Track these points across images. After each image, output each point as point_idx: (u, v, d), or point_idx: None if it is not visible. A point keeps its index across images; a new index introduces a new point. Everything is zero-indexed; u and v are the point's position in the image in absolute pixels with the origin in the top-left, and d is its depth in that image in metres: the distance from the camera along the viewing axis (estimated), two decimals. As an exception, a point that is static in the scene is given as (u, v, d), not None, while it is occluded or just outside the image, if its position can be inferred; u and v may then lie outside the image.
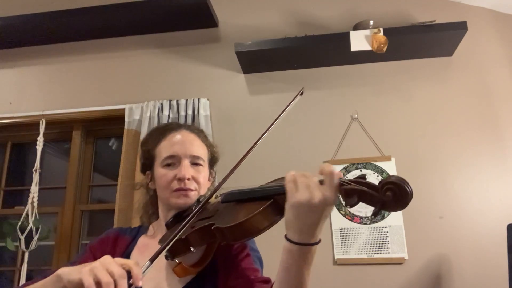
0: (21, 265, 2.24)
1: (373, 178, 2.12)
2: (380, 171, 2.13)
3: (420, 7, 2.36)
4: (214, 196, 0.89)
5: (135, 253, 1.02)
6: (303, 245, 0.69)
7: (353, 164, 2.16)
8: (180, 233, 0.76)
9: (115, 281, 0.62)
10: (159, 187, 1.04)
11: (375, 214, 0.64)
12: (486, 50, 2.29)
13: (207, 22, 2.49)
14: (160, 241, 0.94)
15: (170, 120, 2.26)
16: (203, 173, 1.06)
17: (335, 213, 2.10)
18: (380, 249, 2.01)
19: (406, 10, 2.38)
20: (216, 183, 1.01)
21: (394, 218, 2.04)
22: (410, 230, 2.02)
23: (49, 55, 2.67)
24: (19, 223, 2.22)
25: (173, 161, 1.02)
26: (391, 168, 2.12)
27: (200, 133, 1.12)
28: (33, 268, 2.32)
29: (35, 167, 2.36)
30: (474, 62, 2.27)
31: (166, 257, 0.86)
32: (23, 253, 2.24)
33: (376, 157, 2.15)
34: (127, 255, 1.00)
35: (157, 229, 1.09)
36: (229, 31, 2.52)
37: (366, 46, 2.11)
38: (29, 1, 2.74)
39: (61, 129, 2.55)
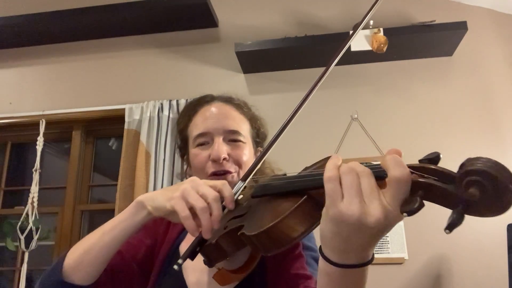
0: (21, 265, 2.24)
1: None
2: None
3: (420, 7, 2.36)
4: (248, 185, 0.71)
5: (183, 247, 0.87)
6: (347, 268, 0.48)
7: (353, 164, 2.16)
8: (261, 161, 0.65)
9: (209, 204, 0.57)
10: (194, 171, 0.89)
11: (450, 226, 0.39)
12: (486, 50, 2.29)
13: (207, 22, 2.48)
14: None
15: (170, 121, 2.26)
16: (244, 150, 0.87)
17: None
18: (380, 249, 2.01)
19: (406, 10, 2.38)
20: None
21: (394, 218, 2.04)
22: (410, 230, 2.02)
23: (49, 55, 2.67)
24: (19, 223, 2.22)
25: (205, 139, 0.86)
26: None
27: (239, 103, 0.95)
28: (33, 268, 2.32)
29: (35, 167, 2.36)
30: (474, 62, 2.27)
31: (205, 262, 0.69)
32: (23, 253, 2.24)
33: (376, 157, 2.15)
34: (175, 247, 0.88)
35: None
36: (229, 31, 2.52)
37: (366, 46, 2.11)
38: (29, 1, 2.74)
39: (61, 129, 2.55)
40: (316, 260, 0.81)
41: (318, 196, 0.53)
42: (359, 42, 2.12)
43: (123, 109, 2.34)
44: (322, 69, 0.73)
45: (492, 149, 2.10)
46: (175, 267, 0.58)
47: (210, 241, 0.63)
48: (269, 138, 0.85)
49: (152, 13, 2.40)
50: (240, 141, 0.87)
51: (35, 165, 2.36)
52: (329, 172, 0.46)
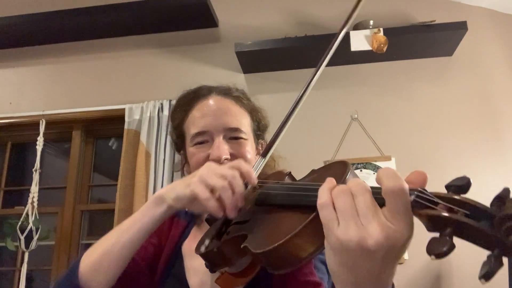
0: (21, 265, 2.24)
1: (373, 178, 2.12)
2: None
3: (420, 7, 2.36)
4: (251, 188, 0.66)
5: (185, 247, 0.84)
6: None
7: (353, 164, 2.16)
8: (280, 135, 0.63)
9: (230, 183, 0.56)
10: (193, 170, 0.82)
11: (487, 275, 0.35)
12: (486, 50, 2.29)
13: (207, 22, 2.48)
14: (196, 249, 0.70)
15: (170, 121, 2.25)
16: (247, 147, 0.83)
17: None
18: (380, 249, 2.01)
19: (406, 10, 2.38)
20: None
21: (394, 218, 2.04)
22: (410, 230, 2.02)
23: (49, 55, 2.67)
24: (19, 223, 2.22)
25: (204, 138, 0.81)
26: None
27: (239, 96, 0.90)
28: (33, 268, 2.32)
29: (35, 167, 2.36)
30: (474, 62, 2.27)
31: (206, 266, 0.66)
32: (23, 253, 2.24)
33: (376, 157, 2.15)
34: (178, 247, 0.84)
35: (203, 222, 0.87)
36: (229, 31, 2.52)
37: (366, 46, 2.11)
38: (29, 1, 2.74)
39: (61, 129, 2.55)
40: (325, 263, 0.75)
41: None
42: (359, 42, 2.12)
43: (123, 109, 2.34)
44: (322, 68, 0.72)
45: (492, 149, 2.10)
46: (202, 249, 0.58)
47: (212, 248, 0.60)
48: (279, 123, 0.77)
49: (152, 13, 2.40)
50: (241, 138, 0.82)
51: (35, 165, 2.36)
52: (321, 198, 0.42)
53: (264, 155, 0.62)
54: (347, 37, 2.14)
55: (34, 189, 2.32)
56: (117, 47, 2.61)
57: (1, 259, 2.57)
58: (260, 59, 2.28)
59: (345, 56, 2.23)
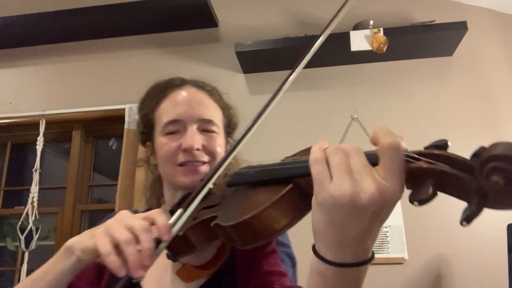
0: (21, 265, 2.24)
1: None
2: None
3: (420, 7, 2.36)
4: (222, 175, 0.64)
5: None
6: (345, 267, 0.42)
7: (353, 164, 2.16)
8: (207, 186, 0.56)
9: (136, 237, 0.49)
10: (161, 161, 0.81)
11: (468, 218, 0.37)
12: (486, 50, 2.28)
13: (207, 22, 2.48)
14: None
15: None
16: (218, 140, 0.82)
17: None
18: (380, 249, 2.01)
19: (406, 10, 2.38)
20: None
21: (394, 218, 2.04)
22: (410, 230, 2.02)
23: (49, 55, 2.67)
24: (19, 223, 2.22)
25: (176, 128, 0.80)
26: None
27: (212, 90, 0.90)
28: (33, 268, 2.32)
29: (35, 167, 2.36)
30: (474, 62, 2.27)
31: (168, 256, 0.64)
32: (23, 253, 2.24)
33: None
34: None
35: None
36: (229, 31, 2.52)
37: (366, 46, 2.11)
38: (29, 1, 2.74)
39: (61, 129, 2.55)
40: (290, 257, 0.77)
41: (306, 185, 0.48)
42: (359, 42, 2.12)
43: (123, 109, 2.34)
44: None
45: (492, 149, 2.10)
46: None
47: (177, 233, 0.56)
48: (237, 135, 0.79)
49: (152, 13, 2.40)
50: (214, 131, 0.82)
51: (35, 165, 2.36)
52: (315, 154, 0.42)
53: (185, 207, 0.53)
54: (347, 37, 2.14)
55: (34, 189, 2.32)
56: (117, 47, 2.61)
57: (1, 259, 2.57)
58: (260, 59, 2.28)
59: (345, 56, 2.23)
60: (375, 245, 2.01)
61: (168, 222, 0.52)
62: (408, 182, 0.41)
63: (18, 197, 2.65)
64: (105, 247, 0.49)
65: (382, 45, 2.07)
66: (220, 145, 0.82)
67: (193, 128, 0.79)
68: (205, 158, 0.79)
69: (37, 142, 2.39)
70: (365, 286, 0.50)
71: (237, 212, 0.51)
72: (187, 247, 0.62)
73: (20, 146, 2.74)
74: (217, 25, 2.53)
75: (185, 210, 0.53)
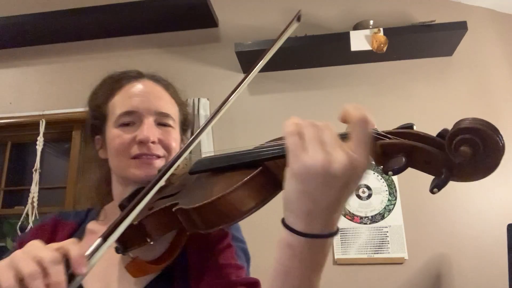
0: (21, 265, 2.24)
1: (373, 178, 2.13)
2: (381, 171, 2.13)
3: (420, 7, 2.36)
4: (182, 166, 0.65)
5: (82, 245, 0.79)
6: (313, 237, 0.44)
7: (353, 164, 2.16)
8: (132, 214, 0.51)
9: (45, 270, 0.43)
10: (112, 154, 0.77)
11: (438, 186, 0.40)
12: (486, 50, 2.29)
13: (207, 22, 2.48)
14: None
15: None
16: (173, 135, 0.80)
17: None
18: (380, 249, 2.01)
19: (406, 10, 2.38)
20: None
21: (394, 218, 2.04)
22: (410, 230, 2.02)
23: (49, 55, 2.67)
24: (19, 223, 2.22)
25: (132, 119, 0.77)
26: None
27: (169, 86, 0.86)
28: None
29: (35, 167, 2.36)
30: (474, 62, 2.27)
31: (117, 250, 0.61)
32: (23, 253, 2.24)
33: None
34: None
35: (111, 213, 0.82)
36: (229, 31, 2.52)
37: (366, 46, 2.11)
38: (29, 1, 2.74)
39: (61, 129, 2.55)
40: (245, 252, 0.77)
41: (274, 168, 0.50)
42: (359, 42, 2.12)
43: (123, 109, 2.34)
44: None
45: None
46: None
47: (132, 222, 0.54)
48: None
49: (152, 13, 2.40)
50: (170, 125, 0.80)
51: (35, 165, 2.36)
52: (290, 127, 0.45)
53: (104, 238, 0.48)
54: (347, 37, 2.14)
55: (34, 189, 2.32)
56: (117, 47, 2.62)
57: (1, 259, 2.56)
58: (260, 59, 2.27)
59: (345, 56, 2.23)
60: (375, 245, 2.02)
61: (83, 254, 0.46)
62: (382, 157, 0.43)
63: (18, 197, 2.64)
64: (7, 282, 0.43)
65: (382, 45, 2.07)
66: (175, 140, 0.80)
67: (149, 121, 0.76)
68: (160, 152, 0.76)
69: (37, 142, 2.39)
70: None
71: (202, 195, 0.51)
72: (140, 238, 0.60)
73: (20, 146, 2.74)
74: (217, 25, 2.53)
75: (105, 241, 0.48)
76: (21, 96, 2.62)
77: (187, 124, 0.89)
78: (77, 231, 0.80)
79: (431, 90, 2.25)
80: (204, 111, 2.26)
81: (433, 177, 0.42)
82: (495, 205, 2.02)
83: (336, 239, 2.05)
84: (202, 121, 2.22)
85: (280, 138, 0.51)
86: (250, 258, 0.78)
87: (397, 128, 0.46)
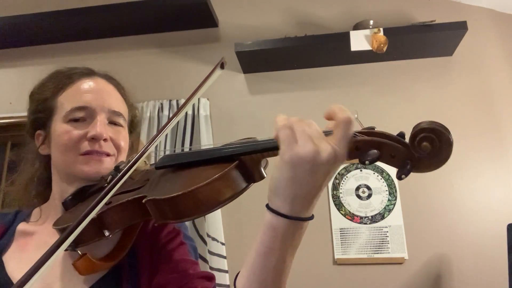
0: (21, 265, 2.23)
1: (373, 178, 2.13)
2: (380, 171, 2.13)
3: (420, 7, 2.36)
4: (142, 163, 0.65)
5: (13, 247, 0.74)
6: (296, 220, 0.50)
7: (353, 164, 2.16)
8: (93, 211, 0.52)
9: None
10: (59, 150, 0.75)
11: (405, 173, 0.50)
12: (486, 50, 2.29)
13: (207, 22, 2.48)
14: (56, 224, 0.67)
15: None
16: (124, 135, 0.80)
17: (334, 213, 2.10)
18: (380, 249, 2.01)
19: (406, 10, 2.38)
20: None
21: (394, 218, 2.04)
22: (410, 230, 2.02)
23: (49, 55, 2.67)
24: (19, 223, 2.22)
25: (83, 115, 0.75)
26: (391, 167, 2.12)
27: (119, 86, 0.86)
28: (33, 268, 2.32)
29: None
30: (474, 62, 2.27)
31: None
32: (23, 253, 2.24)
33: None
34: None
35: (48, 213, 0.79)
36: (229, 31, 2.52)
37: (366, 46, 2.11)
38: (29, 1, 2.74)
39: (61, 129, 2.55)
40: (195, 251, 0.79)
41: (250, 162, 0.56)
42: (359, 42, 2.12)
43: (123, 109, 2.34)
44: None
45: (492, 149, 2.10)
46: None
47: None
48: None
49: (152, 13, 2.40)
50: (121, 125, 0.80)
51: (35, 165, 2.36)
52: (282, 122, 0.52)
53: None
54: (347, 37, 2.14)
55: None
56: (117, 47, 2.62)
57: None
58: (260, 59, 2.28)
59: (345, 56, 2.23)
60: (375, 245, 2.02)
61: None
62: (358, 150, 0.51)
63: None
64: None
65: (382, 45, 2.07)
66: (125, 140, 0.80)
67: (102, 118, 0.75)
68: (111, 150, 0.76)
69: (37, 142, 2.39)
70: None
71: (176, 187, 0.54)
72: (95, 233, 0.60)
73: (20, 146, 2.74)
74: (217, 25, 2.53)
75: (68, 236, 0.48)
76: (21, 96, 2.59)
77: (134, 126, 0.89)
78: (6, 233, 0.77)
79: (431, 90, 2.25)
80: (204, 111, 2.26)
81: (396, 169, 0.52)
82: (495, 205, 2.01)
83: (336, 239, 2.05)
84: (202, 121, 2.22)
85: (245, 139, 0.58)
86: (198, 257, 0.80)
87: (367, 128, 0.54)
